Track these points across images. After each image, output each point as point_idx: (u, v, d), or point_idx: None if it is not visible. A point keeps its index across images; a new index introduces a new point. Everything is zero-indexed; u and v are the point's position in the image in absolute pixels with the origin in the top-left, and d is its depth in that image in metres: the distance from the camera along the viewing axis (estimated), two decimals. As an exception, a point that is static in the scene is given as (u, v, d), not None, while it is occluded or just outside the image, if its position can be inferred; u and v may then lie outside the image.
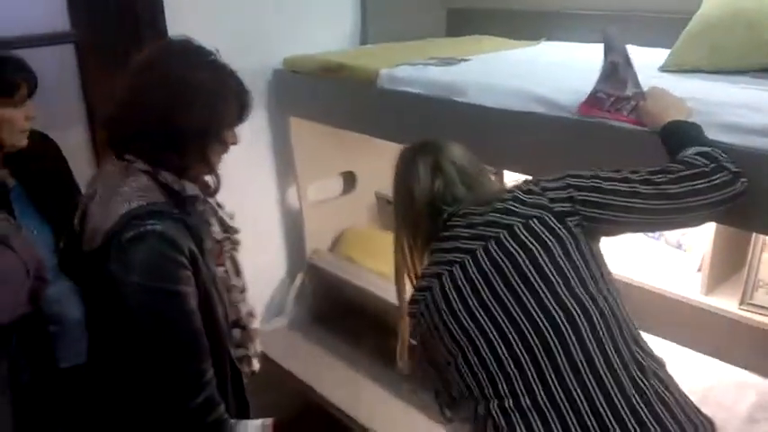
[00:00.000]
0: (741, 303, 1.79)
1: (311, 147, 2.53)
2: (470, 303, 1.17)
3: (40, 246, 1.47)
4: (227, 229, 1.49)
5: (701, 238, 1.92)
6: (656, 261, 2.05)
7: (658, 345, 1.36)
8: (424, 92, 1.86)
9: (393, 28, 2.60)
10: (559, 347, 1.10)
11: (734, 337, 1.85)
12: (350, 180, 2.76)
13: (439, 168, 1.32)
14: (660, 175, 1.19)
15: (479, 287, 1.17)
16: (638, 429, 1.05)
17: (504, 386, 1.12)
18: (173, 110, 1.27)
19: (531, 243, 1.16)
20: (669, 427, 1.07)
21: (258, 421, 1.47)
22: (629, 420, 1.06)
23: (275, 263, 2.74)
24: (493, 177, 1.53)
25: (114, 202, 1.26)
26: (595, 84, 1.46)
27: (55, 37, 2.02)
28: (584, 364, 1.09)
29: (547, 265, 1.15)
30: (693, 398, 1.17)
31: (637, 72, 1.43)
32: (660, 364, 1.17)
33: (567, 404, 1.08)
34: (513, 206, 1.21)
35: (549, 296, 1.13)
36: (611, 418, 1.06)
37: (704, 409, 1.17)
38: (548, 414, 1.08)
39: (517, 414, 1.10)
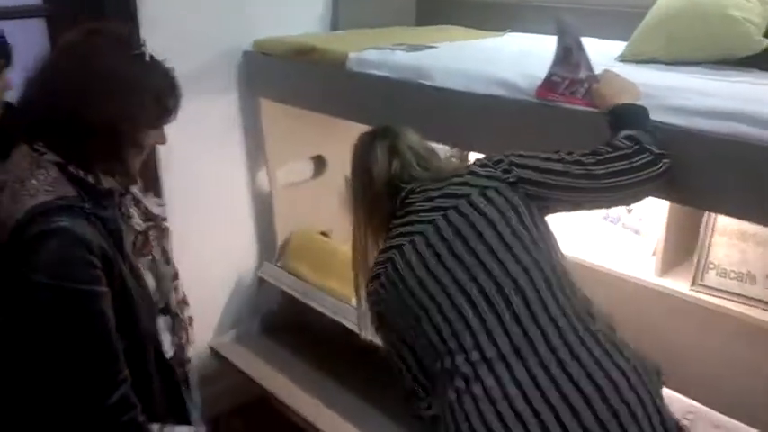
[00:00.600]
0: (692, 285, 1.86)
1: (281, 130, 2.56)
2: (432, 267, 1.23)
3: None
4: (152, 218, 1.44)
5: (657, 223, 2.00)
6: (614, 245, 2.13)
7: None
8: (391, 75, 1.90)
9: (363, 15, 2.64)
10: (517, 299, 1.18)
11: (685, 317, 1.93)
12: (320, 164, 2.80)
13: (396, 151, 1.41)
14: (589, 157, 1.27)
15: (440, 251, 1.23)
16: (591, 363, 1.13)
17: (468, 340, 1.17)
18: (80, 100, 1.20)
19: (488, 210, 1.24)
20: (619, 361, 1.15)
21: (187, 428, 1.44)
22: (586, 355, 1.14)
23: (245, 246, 2.76)
24: (454, 161, 1.60)
25: (21, 197, 1.18)
26: (550, 67, 1.51)
27: (26, 10, 2.01)
28: (541, 312, 1.17)
29: (503, 229, 1.22)
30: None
31: (593, 59, 1.49)
32: (608, 318, 1.25)
33: (528, 350, 1.14)
34: (470, 179, 1.29)
35: (505, 255, 1.20)
36: (569, 359, 1.14)
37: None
38: (511, 361, 1.14)
39: (483, 365, 1.15)
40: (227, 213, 2.66)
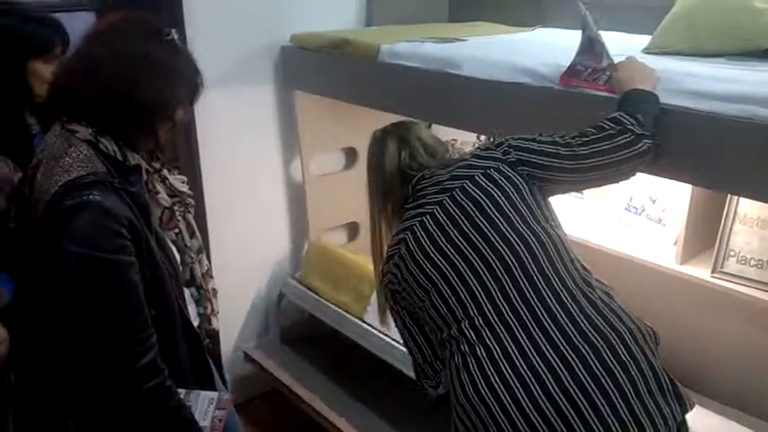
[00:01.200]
0: (713, 272, 1.90)
1: (315, 121, 2.66)
2: (440, 243, 1.33)
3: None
4: (177, 194, 1.50)
5: (680, 213, 2.03)
6: (637, 234, 2.17)
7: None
8: (421, 65, 1.98)
9: (396, 11, 2.73)
10: (519, 269, 1.27)
11: (706, 304, 1.97)
12: (351, 156, 2.89)
13: (405, 142, 1.51)
14: (577, 138, 1.35)
15: (447, 228, 1.33)
16: (588, 326, 1.22)
17: (473, 307, 1.27)
18: (132, 85, 1.29)
19: (491, 187, 1.33)
20: (615, 324, 1.24)
21: (213, 393, 1.50)
22: (583, 318, 1.23)
23: (280, 234, 2.87)
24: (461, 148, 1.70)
25: (55, 173, 1.27)
26: (574, 57, 1.58)
27: (78, 4, 2.15)
28: (541, 280, 1.26)
29: (505, 204, 1.31)
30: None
31: (619, 53, 1.56)
32: (606, 286, 1.33)
33: (528, 315, 1.23)
34: (473, 161, 1.39)
35: (508, 228, 1.29)
36: (567, 322, 1.22)
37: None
38: (513, 325, 1.23)
39: (486, 329, 1.24)
40: (262, 202, 2.76)
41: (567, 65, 1.59)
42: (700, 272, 1.93)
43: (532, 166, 1.36)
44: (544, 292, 1.25)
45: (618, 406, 1.16)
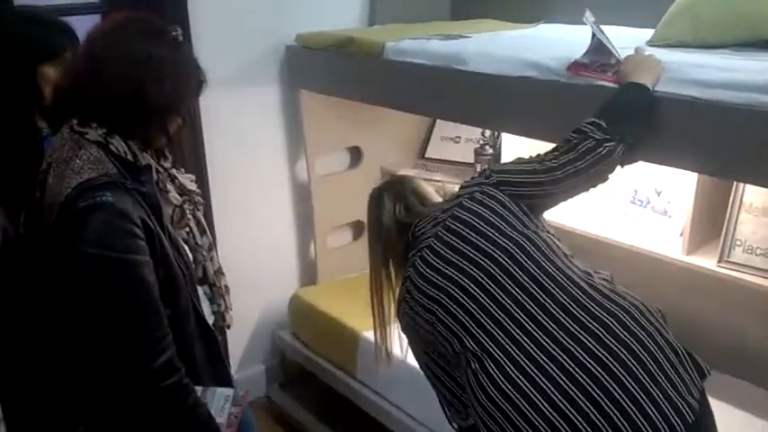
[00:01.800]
0: (719, 261, 1.91)
1: (320, 121, 2.68)
2: (440, 267, 1.38)
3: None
4: (186, 193, 1.52)
5: (685, 205, 2.05)
6: (643, 226, 2.18)
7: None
8: (427, 62, 2.00)
9: (399, 11, 2.75)
10: (518, 270, 1.31)
11: (713, 294, 1.99)
12: (356, 155, 2.91)
13: (400, 196, 1.58)
14: (549, 154, 1.43)
15: (445, 254, 1.38)
16: (598, 309, 1.26)
17: (482, 315, 1.30)
18: (138, 85, 1.30)
19: (478, 207, 1.40)
20: (622, 303, 1.28)
21: (229, 390, 1.51)
22: (590, 303, 1.27)
23: (285, 235, 2.89)
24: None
25: (67, 176, 1.27)
26: (583, 54, 1.61)
27: (87, 7, 2.17)
28: (542, 275, 1.31)
29: (493, 218, 1.37)
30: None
31: (623, 46, 1.59)
32: (604, 273, 1.38)
33: (537, 311, 1.27)
34: (460, 192, 1.47)
35: (500, 237, 1.35)
36: (576, 309, 1.26)
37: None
38: (524, 323, 1.27)
39: (498, 332, 1.28)
40: (267, 202, 2.78)
41: (575, 58, 1.61)
42: (706, 262, 1.95)
43: (513, 186, 1.42)
44: (547, 286, 1.29)
45: (642, 378, 1.18)
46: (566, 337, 1.23)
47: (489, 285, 1.31)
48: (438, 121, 2.90)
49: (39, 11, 1.82)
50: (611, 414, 1.15)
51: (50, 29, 1.66)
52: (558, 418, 1.17)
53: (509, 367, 1.23)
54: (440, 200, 1.60)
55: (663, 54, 1.71)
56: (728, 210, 1.93)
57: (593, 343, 1.21)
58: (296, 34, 2.52)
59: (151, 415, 1.36)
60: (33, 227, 1.39)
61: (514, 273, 1.31)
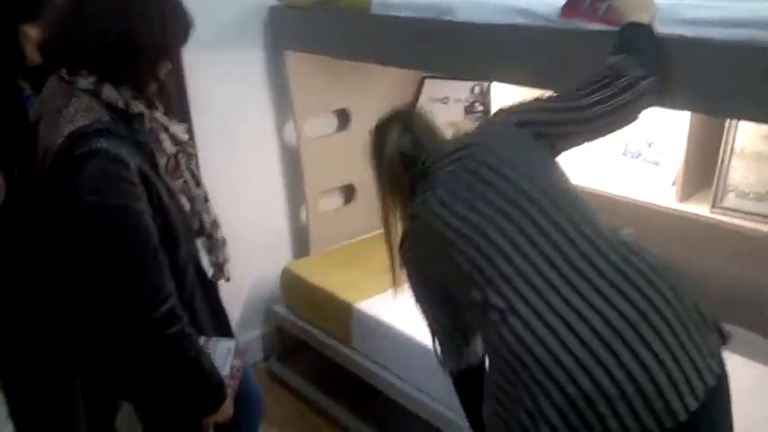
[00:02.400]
0: (713, 207, 1.92)
1: (307, 82, 2.64)
2: (456, 209, 1.31)
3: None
4: (180, 143, 1.49)
5: (677, 155, 2.05)
6: (636, 177, 2.18)
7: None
8: (415, 14, 1.97)
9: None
10: (537, 214, 1.25)
11: (707, 240, 1.99)
12: (344, 117, 2.87)
13: (408, 127, 1.49)
14: (578, 91, 1.36)
15: (463, 195, 1.31)
16: (620, 261, 1.21)
17: (502, 261, 1.24)
18: (128, 28, 1.28)
19: (499, 147, 1.35)
20: (639, 264, 1.22)
21: (231, 342, 1.51)
22: (605, 263, 1.21)
23: (276, 198, 2.86)
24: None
25: (60, 124, 1.25)
26: None
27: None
28: (565, 221, 1.25)
29: (516, 159, 1.32)
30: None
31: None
32: (630, 231, 1.32)
33: (562, 262, 1.21)
34: (482, 129, 1.42)
35: (520, 180, 1.29)
36: (599, 257, 1.21)
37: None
38: (545, 270, 1.22)
39: (519, 279, 1.22)
40: (256, 167, 2.74)
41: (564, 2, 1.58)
42: (699, 209, 1.95)
43: (537, 125, 1.36)
44: (572, 236, 1.23)
45: (666, 338, 1.15)
46: (590, 289, 1.18)
47: (513, 233, 1.25)
48: (426, 81, 2.87)
49: None
50: (631, 369, 1.13)
51: None
52: (579, 374, 1.14)
53: (531, 320, 1.19)
54: (446, 135, 1.53)
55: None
56: (720, 156, 1.92)
57: (617, 298, 1.17)
58: (278, -7, 2.47)
59: (154, 364, 1.36)
60: (28, 180, 1.36)
61: (539, 221, 1.25)
